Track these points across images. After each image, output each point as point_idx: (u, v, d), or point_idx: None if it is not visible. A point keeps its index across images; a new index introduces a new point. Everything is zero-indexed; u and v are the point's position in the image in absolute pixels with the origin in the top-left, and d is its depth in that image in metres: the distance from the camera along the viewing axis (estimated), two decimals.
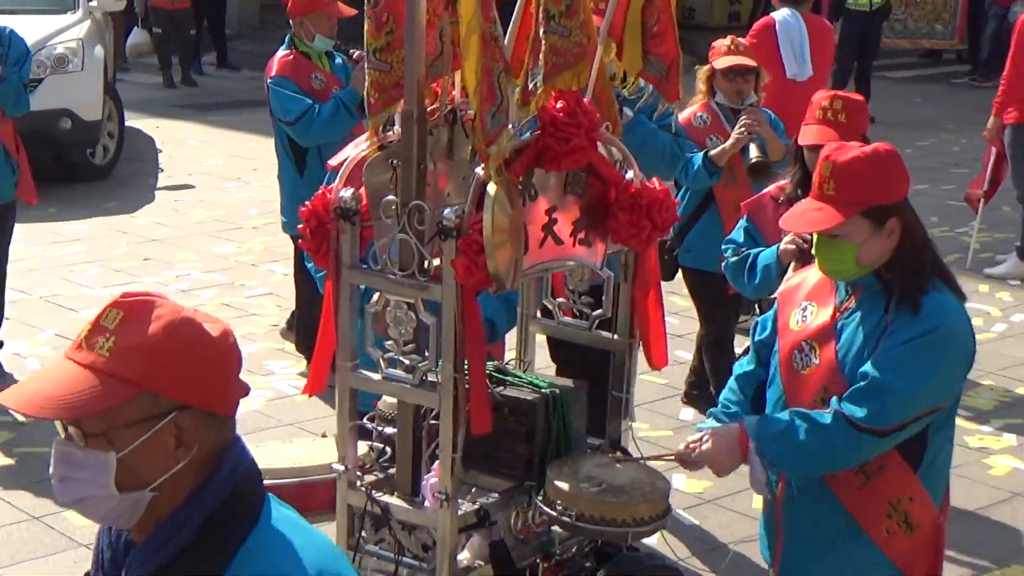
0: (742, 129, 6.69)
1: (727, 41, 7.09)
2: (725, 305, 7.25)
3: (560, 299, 4.12)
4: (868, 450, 3.60)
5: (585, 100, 3.51)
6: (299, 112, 7.75)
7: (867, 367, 3.58)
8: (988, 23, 18.81)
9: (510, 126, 3.39)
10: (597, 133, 3.49)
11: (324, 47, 8.13)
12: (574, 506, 3.46)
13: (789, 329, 3.86)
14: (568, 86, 3.50)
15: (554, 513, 3.50)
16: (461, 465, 3.47)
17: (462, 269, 3.21)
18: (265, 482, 3.35)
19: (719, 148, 6.79)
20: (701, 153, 6.85)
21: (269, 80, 8.00)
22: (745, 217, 5.97)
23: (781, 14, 8.88)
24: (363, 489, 3.65)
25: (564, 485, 3.49)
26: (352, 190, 3.51)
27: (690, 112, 7.10)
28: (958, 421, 7.40)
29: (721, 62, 6.99)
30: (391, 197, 3.44)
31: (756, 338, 4.09)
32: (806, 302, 3.86)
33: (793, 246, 5.17)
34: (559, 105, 3.39)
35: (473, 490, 3.73)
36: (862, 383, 3.57)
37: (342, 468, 3.66)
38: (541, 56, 3.47)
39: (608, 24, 3.81)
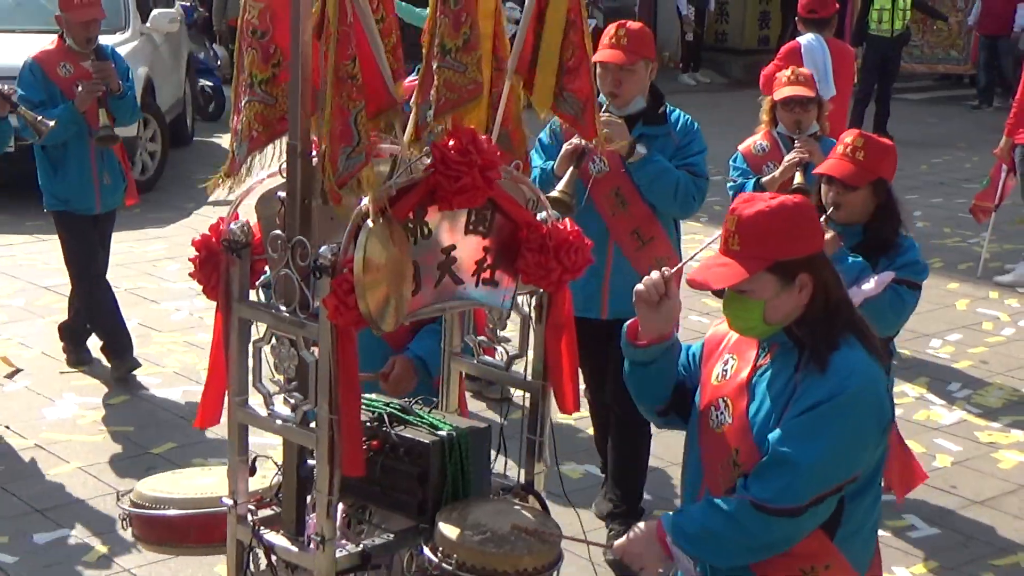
0: (792, 157, 6.48)
1: (788, 72, 6.94)
2: None
3: (481, 336, 3.83)
4: (786, 532, 3.30)
5: (484, 138, 3.18)
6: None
7: (773, 436, 3.29)
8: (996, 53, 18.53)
9: (400, 162, 3.11)
10: (495, 172, 3.16)
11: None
12: (455, 554, 3.17)
13: (709, 384, 3.59)
14: (462, 122, 3.19)
15: (436, 559, 3.21)
16: (337, 507, 3.21)
17: (331, 308, 2.95)
18: (170, 512, 3.14)
19: (769, 176, 6.61)
20: (754, 180, 6.73)
21: None
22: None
23: (806, 38, 8.91)
24: (251, 525, 3.38)
25: (449, 531, 3.20)
26: (243, 222, 3.25)
27: (751, 141, 7.12)
28: (969, 419, 7.49)
29: (779, 93, 6.85)
30: (277, 232, 3.17)
31: (683, 359, 3.77)
32: (728, 355, 3.59)
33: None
34: (451, 143, 3.09)
35: (365, 530, 3.47)
36: (767, 458, 3.29)
37: (231, 503, 3.40)
38: (433, 91, 3.17)
39: (515, 60, 3.48)
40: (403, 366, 4.66)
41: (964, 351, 8.70)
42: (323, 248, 2.97)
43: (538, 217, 3.44)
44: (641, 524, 3.56)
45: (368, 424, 3.37)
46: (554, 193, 5.37)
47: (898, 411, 7.48)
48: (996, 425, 7.49)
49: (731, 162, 7.12)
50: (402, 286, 3.07)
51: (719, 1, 20.84)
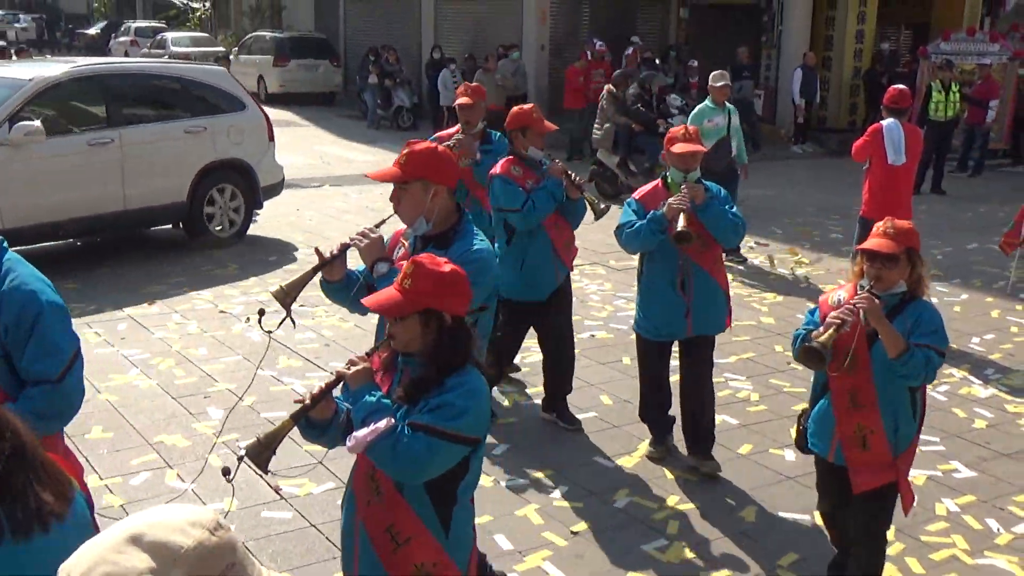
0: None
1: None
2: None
3: None
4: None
5: None
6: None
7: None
8: None
9: None
10: None
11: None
12: None
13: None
14: None
15: None
16: None
17: None
18: None
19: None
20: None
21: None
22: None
23: (887, 121, 8.55)
24: None
25: None
26: None
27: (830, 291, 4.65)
28: (1000, 394, 7.22)
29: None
30: None
31: None
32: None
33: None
34: None
35: None
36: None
37: None
38: None
39: None
40: None
41: (996, 346, 8.36)
42: None
43: None
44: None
45: None
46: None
47: (946, 387, 7.27)
48: (1019, 399, 7.15)
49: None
50: None
51: (822, 94, 20.25)
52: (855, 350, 4.00)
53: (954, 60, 17.26)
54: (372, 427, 2.88)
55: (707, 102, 10.04)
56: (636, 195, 5.64)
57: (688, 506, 5.34)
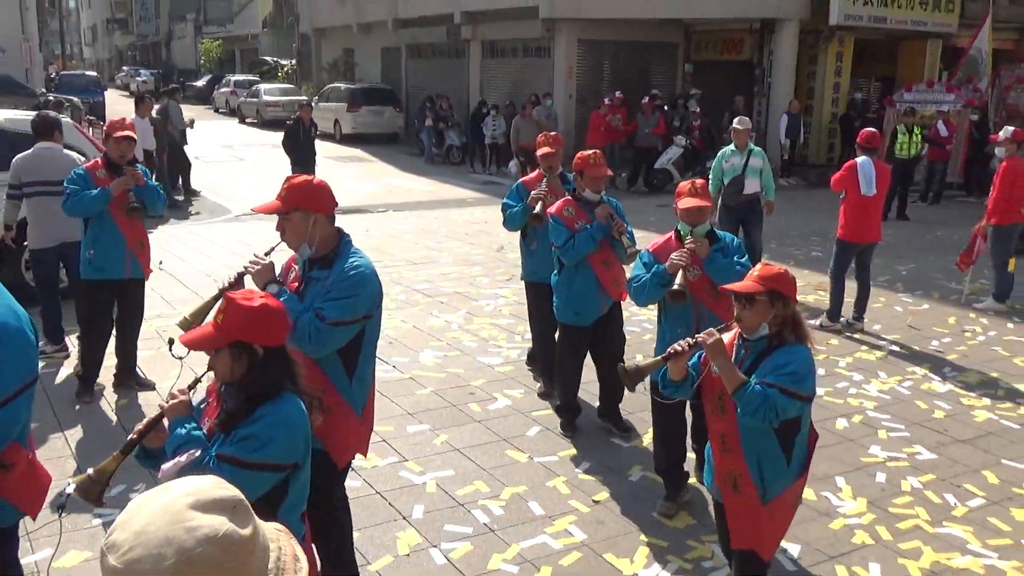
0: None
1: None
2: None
3: None
4: None
5: None
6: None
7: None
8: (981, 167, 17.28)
9: None
10: None
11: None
12: None
13: None
14: None
15: None
16: None
17: None
18: None
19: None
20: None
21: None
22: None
23: (861, 159, 8.42)
24: None
25: None
26: None
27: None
28: (956, 389, 7.06)
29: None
30: None
31: None
32: None
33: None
34: None
35: None
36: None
37: None
38: None
39: None
40: None
41: (953, 348, 8.18)
42: None
43: None
44: None
45: None
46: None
47: (910, 383, 7.15)
48: (972, 394, 7.00)
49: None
50: None
51: (805, 133, 20.09)
52: (724, 393, 3.41)
53: (917, 107, 17.07)
54: (175, 460, 2.59)
55: (731, 145, 9.62)
56: (650, 246, 4.85)
57: (691, 480, 5.30)
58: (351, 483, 5.16)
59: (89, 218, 6.00)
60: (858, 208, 8.39)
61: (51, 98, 21.12)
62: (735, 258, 4.62)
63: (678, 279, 4.55)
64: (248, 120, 32.70)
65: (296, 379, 2.76)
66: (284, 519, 2.65)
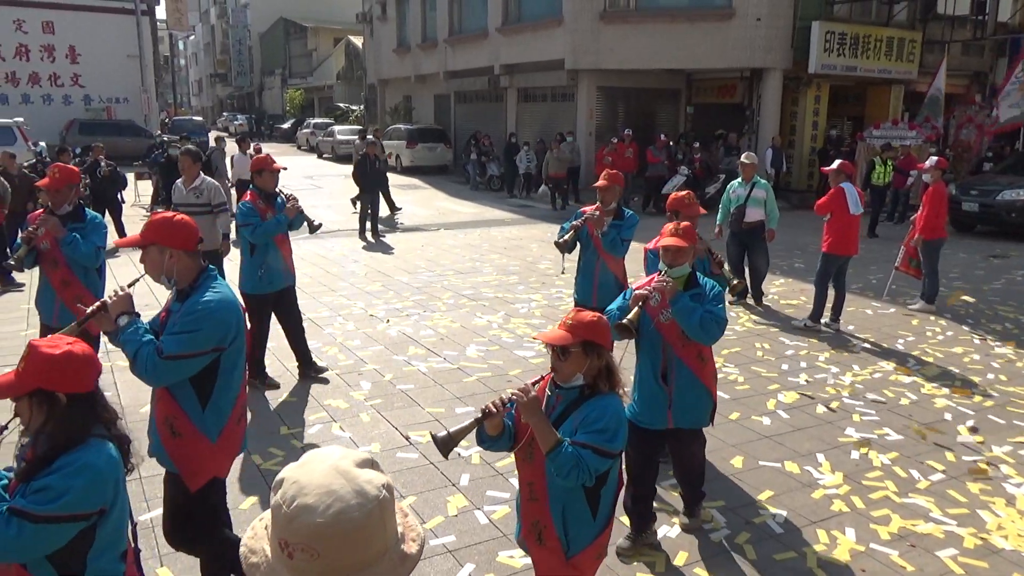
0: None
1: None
2: None
3: None
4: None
5: None
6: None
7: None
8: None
9: None
10: None
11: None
12: None
13: None
14: None
15: None
16: None
17: None
18: None
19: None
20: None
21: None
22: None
23: (846, 184, 8.27)
24: None
25: None
26: None
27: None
28: (919, 380, 6.87)
29: (547, 335, 3.47)
30: None
31: None
32: None
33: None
34: None
35: None
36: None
37: None
38: None
39: None
40: None
41: (916, 345, 7.99)
42: None
43: None
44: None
45: None
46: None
47: (879, 375, 6.99)
48: (933, 384, 6.82)
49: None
50: None
51: (788, 163, 19.78)
52: (534, 440, 2.69)
53: (891, 143, 16.92)
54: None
55: (739, 178, 9.25)
56: (635, 285, 3.90)
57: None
58: (409, 455, 5.17)
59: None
60: (844, 226, 8.20)
61: (164, 139, 21.45)
62: (712, 306, 3.76)
63: (631, 314, 3.67)
64: (325, 155, 32.97)
65: (109, 424, 2.27)
66: (94, 563, 2.20)
